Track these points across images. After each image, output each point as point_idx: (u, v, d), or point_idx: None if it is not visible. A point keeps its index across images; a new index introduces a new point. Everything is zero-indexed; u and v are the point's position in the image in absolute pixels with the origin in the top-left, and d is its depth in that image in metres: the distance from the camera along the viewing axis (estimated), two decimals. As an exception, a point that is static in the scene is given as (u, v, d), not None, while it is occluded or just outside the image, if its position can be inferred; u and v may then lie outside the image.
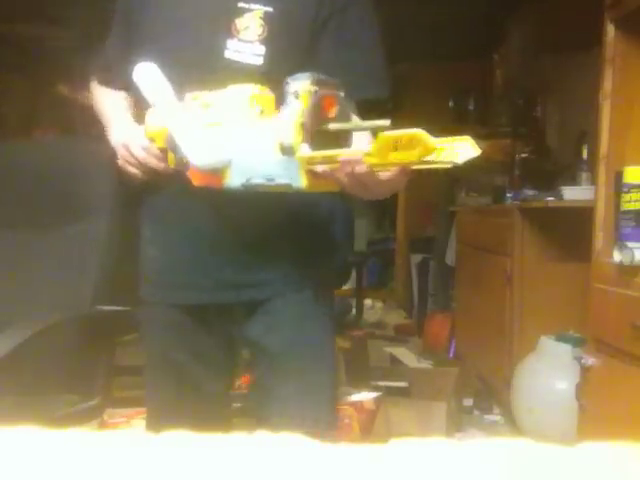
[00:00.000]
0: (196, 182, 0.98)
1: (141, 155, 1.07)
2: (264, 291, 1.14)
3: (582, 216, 1.88)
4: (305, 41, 1.08)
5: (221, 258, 1.13)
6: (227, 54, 1.05)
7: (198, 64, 1.06)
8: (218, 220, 1.12)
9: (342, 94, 0.90)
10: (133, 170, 1.11)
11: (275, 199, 0.97)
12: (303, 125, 0.84)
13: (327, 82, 0.88)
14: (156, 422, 1.23)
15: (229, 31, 1.05)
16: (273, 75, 0.98)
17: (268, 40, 1.05)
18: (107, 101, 1.26)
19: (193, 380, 1.21)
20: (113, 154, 1.16)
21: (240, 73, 1.01)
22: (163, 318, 1.21)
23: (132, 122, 1.18)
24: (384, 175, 0.85)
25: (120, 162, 1.13)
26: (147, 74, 0.96)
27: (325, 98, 0.88)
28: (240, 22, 1.05)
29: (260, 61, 1.05)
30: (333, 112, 0.89)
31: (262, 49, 1.05)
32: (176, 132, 0.94)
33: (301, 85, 0.85)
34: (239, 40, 1.05)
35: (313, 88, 0.85)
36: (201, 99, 0.96)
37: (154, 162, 1.06)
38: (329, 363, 1.22)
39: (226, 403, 1.32)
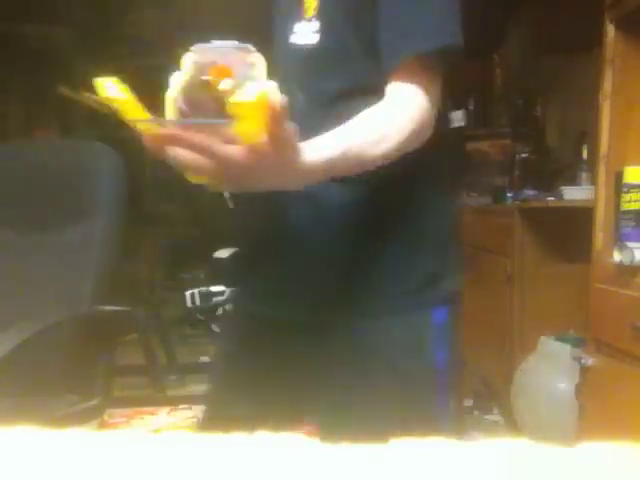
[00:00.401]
0: None
1: None
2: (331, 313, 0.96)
3: (582, 216, 1.88)
4: (359, 2, 0.93)
5: (285, 268, 1.00)
6: (292, 39, 0.96)
7: (276, 56, 0.97)
8: (280, 223, 1.01)
9: (250, 62, 0.76)
10: None
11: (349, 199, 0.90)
12: (175, 101, 0.74)
13: (227, 50, 0.76)
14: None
15: (299, 14, 0.96)
16: (329, 52, 0.91)
17: (322, 13, 0.94)
18: None
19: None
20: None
21: (299, 57, 0.95)
22: (233, 322, 1.13)
23: None
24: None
25: None
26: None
27: (214, 69, 0.75)
28: (307, 1, 0.95)
29: (316, 39, 0.94)
30: (227, 84, 0.74)
31: (317, 25, 0.94)
32: None
33: (186, 57, 0.75)
34: (305, 21, 0.95)
35: (194, 58, 0.75)
36: None
37: None
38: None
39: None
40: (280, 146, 0.67)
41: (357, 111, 0.83)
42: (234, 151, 0.66)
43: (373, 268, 0.95)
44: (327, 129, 0.79)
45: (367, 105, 0.84)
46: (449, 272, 1.01)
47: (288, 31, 0.97)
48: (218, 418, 1.06)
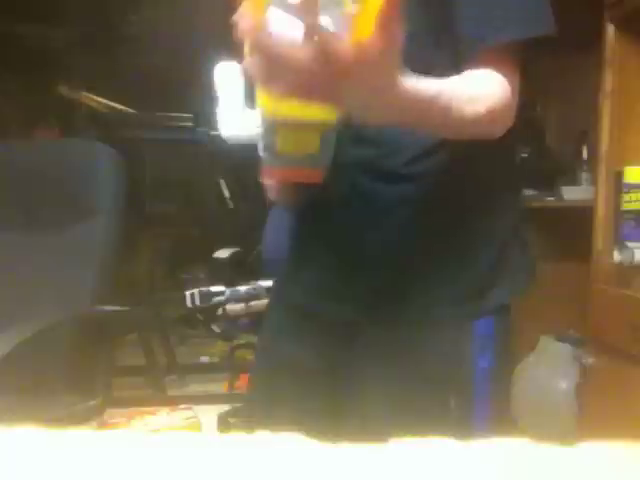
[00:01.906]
0: None
1: None
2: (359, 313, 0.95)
3: (582, 216, 1.88)
4: None
5: (336, 266, 1.00)
6: None
7: None
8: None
9: None
10: None
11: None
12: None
13: None
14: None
15: None
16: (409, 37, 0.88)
17: None
18: None
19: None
20: None
21: None
22: (278, 317, 1.12)
23: None
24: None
25: None
26: (225, 73, 0.99)
27: None
28: None
29: None
30: None
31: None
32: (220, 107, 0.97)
33: None
34: None
35: None
36: None
37: None
38: None
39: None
40: (387, 47, 0.59)
41: None
42: (340, 43, 0.58)
43: (420, 272, 0.92)
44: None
45: None
46: (502, 283, 0.95)
47: None
48: (260, 417, 1.07)
